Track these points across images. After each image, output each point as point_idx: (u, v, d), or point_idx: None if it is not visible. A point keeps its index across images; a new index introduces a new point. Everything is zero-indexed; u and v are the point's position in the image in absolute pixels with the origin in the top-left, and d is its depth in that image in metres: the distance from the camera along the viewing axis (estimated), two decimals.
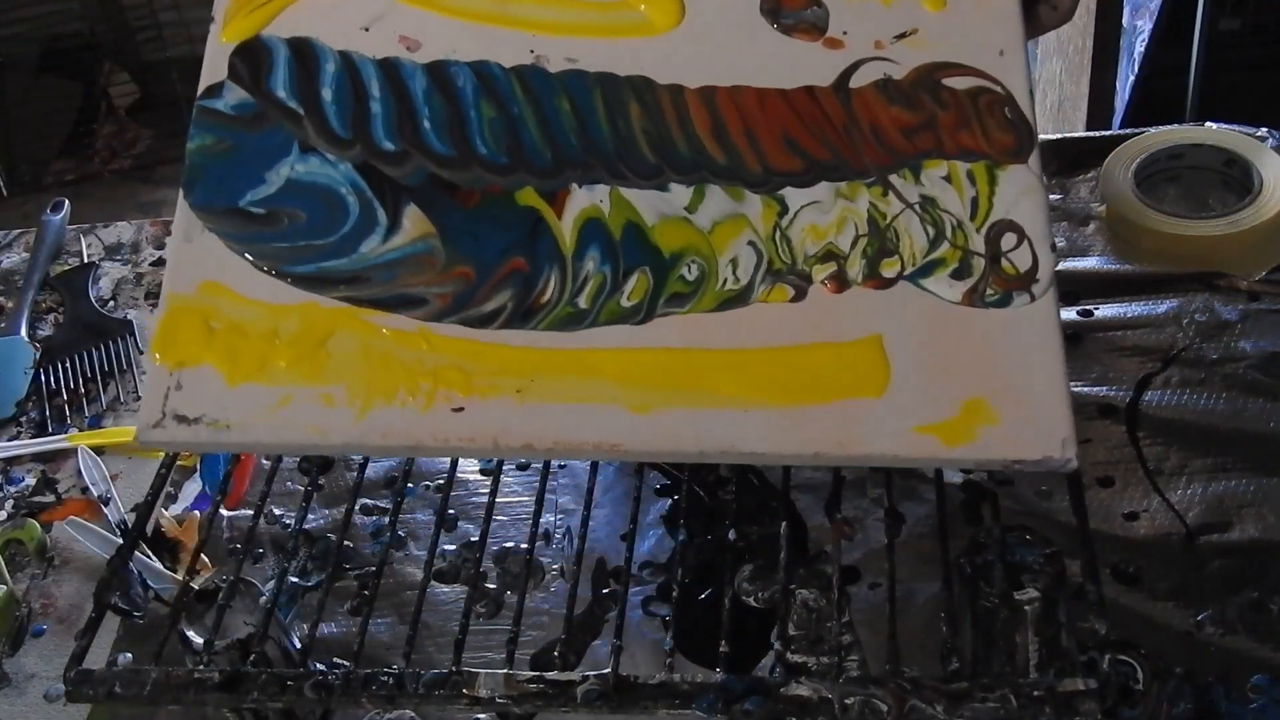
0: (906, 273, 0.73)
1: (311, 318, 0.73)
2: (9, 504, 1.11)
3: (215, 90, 0.80)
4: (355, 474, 0.89)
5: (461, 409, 0.70)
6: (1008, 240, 0.74)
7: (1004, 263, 0.73)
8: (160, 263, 1.37)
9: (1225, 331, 1.04)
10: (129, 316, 1.29)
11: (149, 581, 0.97)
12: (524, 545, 0.94)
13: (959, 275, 0.73)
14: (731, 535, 0.80)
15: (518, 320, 0.73)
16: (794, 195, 0.76)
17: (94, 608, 0.79)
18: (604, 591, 0.91)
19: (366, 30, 0.81)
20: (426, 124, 0.78)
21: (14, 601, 1.00)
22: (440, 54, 0.80)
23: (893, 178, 0.76)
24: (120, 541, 0.93)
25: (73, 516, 1.05)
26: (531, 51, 0.81)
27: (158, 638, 0.77)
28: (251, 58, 0.80)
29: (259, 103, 0.79)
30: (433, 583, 0.92)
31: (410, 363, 0.72)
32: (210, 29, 0.82)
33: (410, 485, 1.03)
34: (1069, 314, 1.09)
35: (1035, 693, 0.65)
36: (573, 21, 0.82)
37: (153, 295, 1.32)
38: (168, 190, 3.27)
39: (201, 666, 0.75)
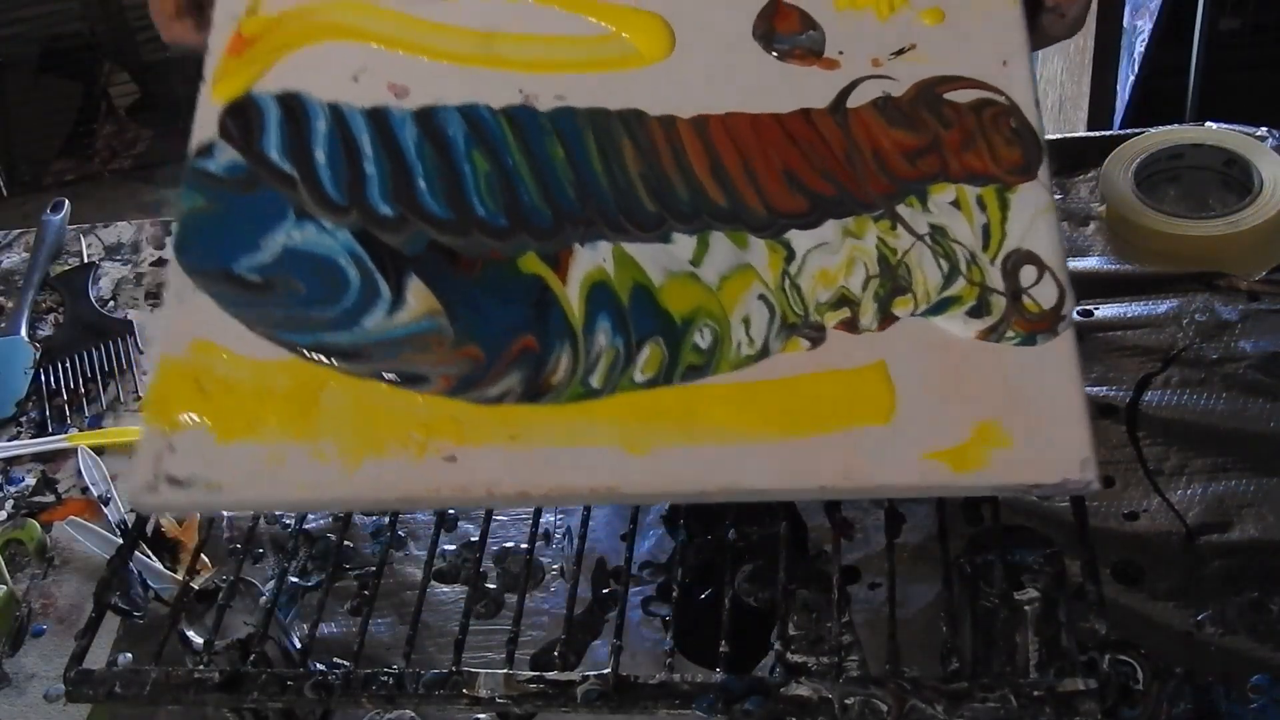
0: (920, 310, 0.71)
1: (302, 373, 0.72)
2: (9, 504, 1.11)
3: (207, 150, 0.78)
4: None
5: (454, 458, 0.69)
6: (1027, 274, 0.71)
7: (1026, 300, 0.71)
8: (160, 262, 1.37)
9: (1225, 331, 1.04)
10: (129, 316, 1.29)
11: (149, 581, 0.97)
12: (524, 545, 0.94)
13: (976, 314, 0.70)
14: (731, 535, 0.80)
15: (525, 402, 0.70)
16: (800, 238, 0.74)
17: (94, 608, 0.79)
18: (604, 591, 0.91)
19: (355, 80, 0.80)
20: (422, 183, 0.76)
21: (14, 601, 1.00)
22: (429, 99, 0.79)
23: (900, 208, 0.74)
24: (120, 541, 0.93)
25: (73, 516, 1.05)
26: (520, 91, 0.79)
27: (158, 638, 0.77)
28: (242, 116, 0.79)
29: (251, 165, 0.77)
30: (433, 583, 0.92)
31: (401, 413, 0.70)
32: (200, 88, 0.81)
33: None
34: None
35: (1035, 693, 0.65)
36: (560, 58, 0.80)
37: (153, 295, 1.32)
38: (168, 190, 3.26)
39: (201, 666, 0.75)
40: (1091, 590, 0.69)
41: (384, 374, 0.71)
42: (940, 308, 0.71)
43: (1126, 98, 2.08)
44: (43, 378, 1.23)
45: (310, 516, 1.00)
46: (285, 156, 0.77)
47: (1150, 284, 1.11)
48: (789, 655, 0.78)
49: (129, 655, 0.93)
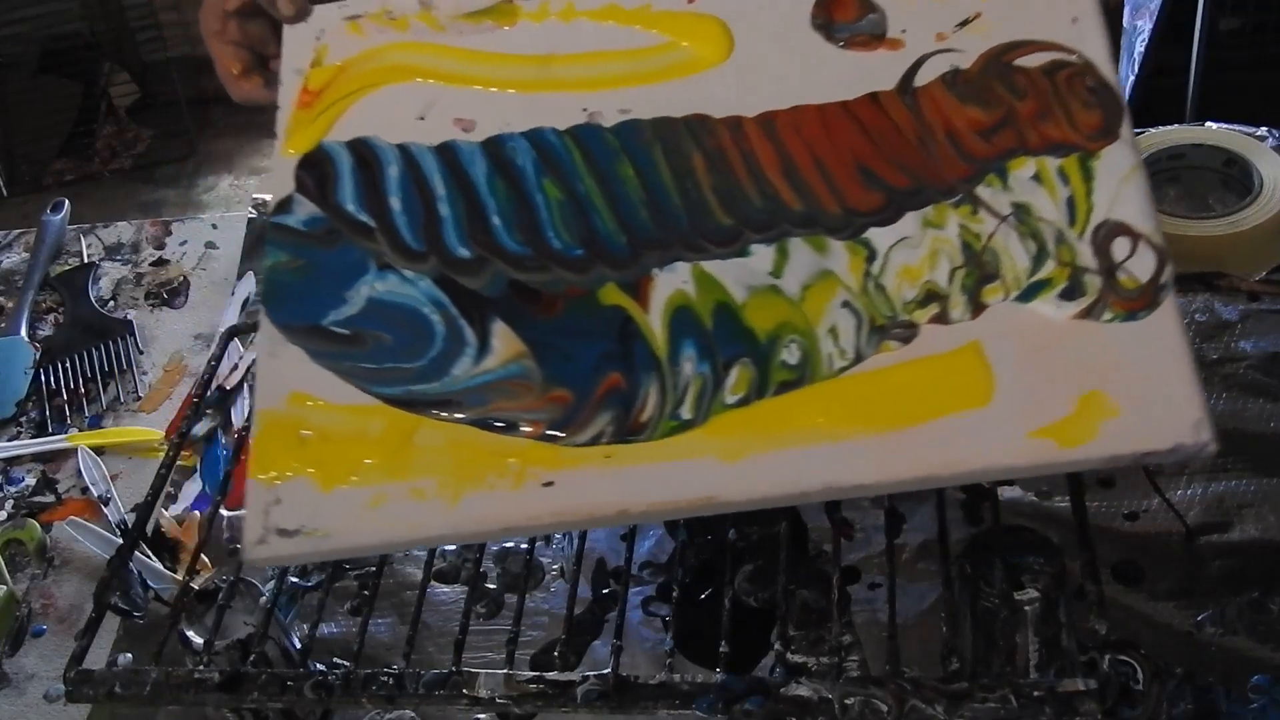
0: (1011, 297, 0.69)
1: (396, 416, 0.72)
2: (9, 504, 1.11)
3: (285, 205, 0.78)
4: None
5: (551, 483, 0.68)
6: (1120, 248, 0.68)
7: (1121, 277, 0.68)
8: (160, 263, 1.37)
9: (1225, 331, 1.04)
10: (129, 316, 1.30)
11: (149, 582, 0.97)
12: (524, 545, 0.94)
13: (1069, 295, 0.68)
14: (731, 535, 0.80)
15: (617, 442, 0.69)
16: (880, 236, 0.71)
17: (94, 608, 0.79)
18: (604, 592, 0.91)
19: (422, 119, 0.80)
20: (496, 220, 0.75)
21: (14, 601, 1.00)
22: (495, 129, 0.78)
23: (979, 190, 0.71)
24: (120, 542, 0.93)
25: (73, 516, 1.05)
26: (584, 110, 0.78)
27: (158, 638, 0.77)
28: (316, 169, 0.79)
29: (329, 217, 0.77)
30: (433, 583, 0.92)
31: (496, 444, 0.70)
32: (274, 145, 0.81)
33: None
34: None
35: (1035, 693, 0.65)
36: (619, 73, 0.79)
37: (152, 295, 1.32)
38: (167, 190, 3.28)
39: (201, 667, 0.75)
40: (1092, 590, 0.69)
41: (473, 420, 0.70)
42: (1031, 293, 0.69)
43: (1126, 98, 2.08)
44: (43, 378, 1.23)
45: None
46: (361, 207, 0.77)
47: None
48: (789, 655, 0.78)
49: (129, 655, 0.93)
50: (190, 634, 0.84)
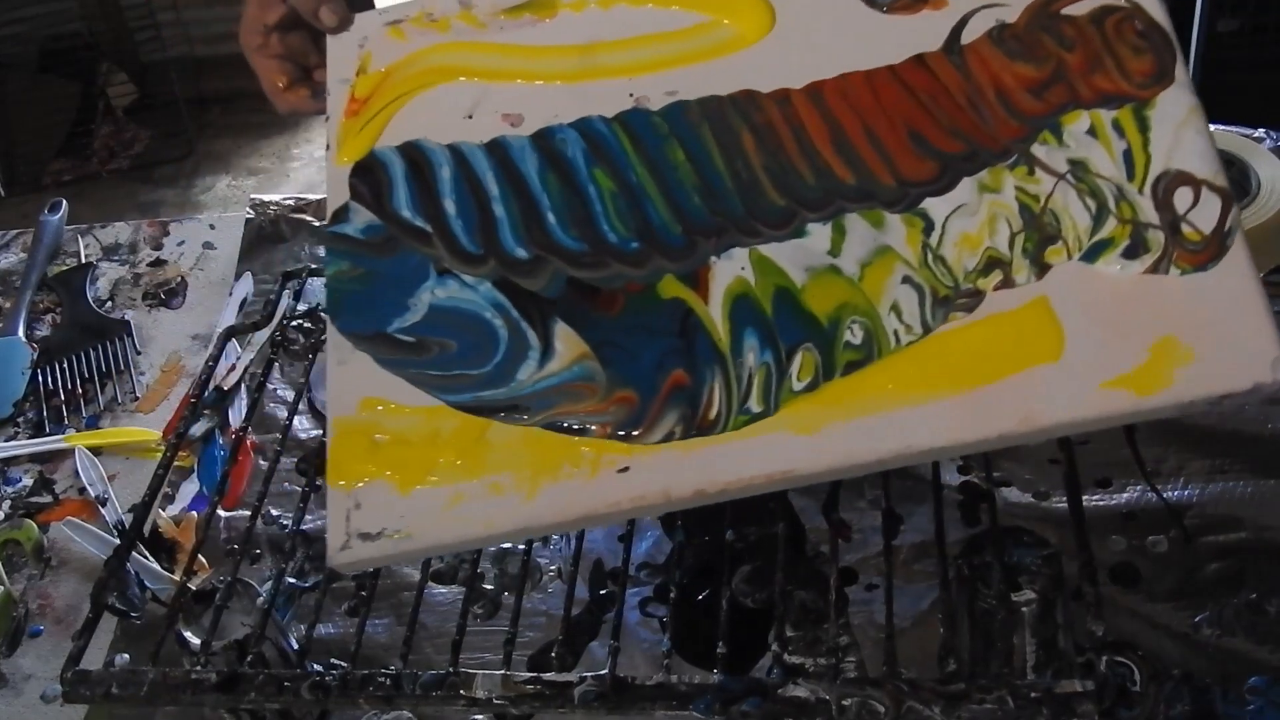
0: (1074, 258, 0.67)
1: (468, 415, 0.72)
2: (6, 504, 1.11)
3: (341, 214, 0.78)
4: None
5: (627, 469, 0.68)
6: (1182, 198, 0.67)
7: (1185, 229, 0.66)
8: (157, 263, 1.37)
9: None
10: (126, 317, 1.30)
11: (146, 582, 0.97)
12: (521, 546, 0.94)
13: (1132, 254, 0.67)
14: (729, 536, 0.80)
15: (688, 439, 0.69)
16: (936, 205, 0.71)
17: (91, 608, 0.79)
18: (601, 592, 0.91)
19: (470, 118, 0.80)
20: (551, 217, 0.75)
21: (11, 602, 1.00)
22: (543, 122, 0.78)
23: (1035, 148, 0.70)
24: (118, 542, 0.93)
25: (70, 517, 1.05)
26: (630, 95, 0.78)
27: (155, 638, 0.77)
28: (370, 176, 0.79)
29: (386, 225, 0.77)
30: (430, 584, 0.92)
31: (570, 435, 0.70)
32: (326, 155, 0.81)
33: None
34: None
35: (1032, 694, 0.65)
36: (663, 55, 0.79)
37: (150, 296, 1.32)
38: (165, 190, 3.28)
39: (199, 667, 0.75)
40: (1089, 591, 0.69)
41: (541, 425, 0.70)
42: (1094, 253, 0.68)
43: None
44: (40, 378, 1.23)
45: (307, 517, 1.00)
46: (417, 212, 0.77)
47: None
48: (786, 656, 0.78)
49: (126, 656, 0.92)
50: (187, 634, 0.84)
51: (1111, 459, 0.96)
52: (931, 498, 0.77)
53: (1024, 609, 0.76)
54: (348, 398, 0.73)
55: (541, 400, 0.71)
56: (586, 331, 0.72)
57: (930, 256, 0.70)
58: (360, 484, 0.71)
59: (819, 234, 0.72)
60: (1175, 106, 0.70)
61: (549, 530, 0.70)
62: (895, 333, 0.68)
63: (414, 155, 0.79)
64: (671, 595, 0.77)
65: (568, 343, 0.72)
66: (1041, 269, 0.68)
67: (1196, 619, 0.85)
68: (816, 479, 0.67)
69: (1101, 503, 0.93)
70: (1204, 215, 0.67)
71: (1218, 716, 0.79)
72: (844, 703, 0.67)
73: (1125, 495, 0.93)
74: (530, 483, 0.69)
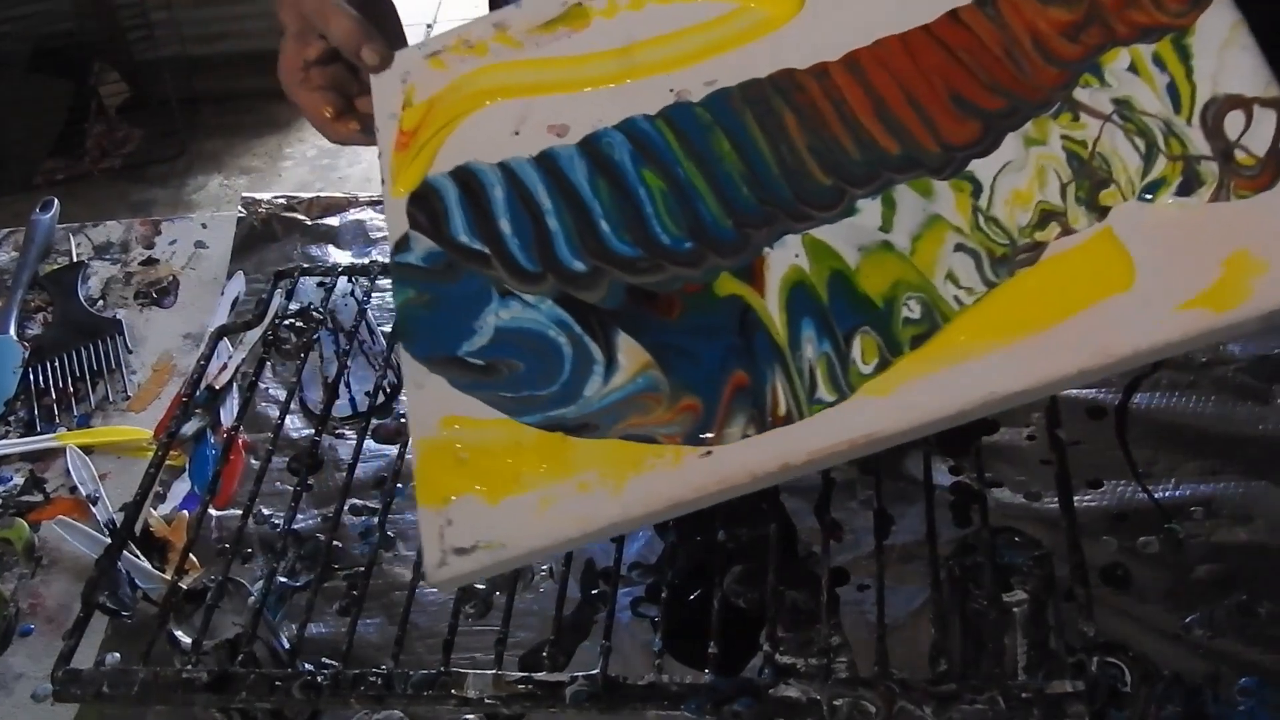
0: (1130, 200, 0.67)
1: None
2: None
3: (403, 244, 0.79)
4: (344, 474, 0.89)
5: (710, 453, 0.68)
6: (1233, 123, 0.66)
7: (1239, 155, 0.65)
8: (149, 262, 1.37)
9: None
10: (118, 316, 1.29)
11: (137, 581, 0.96)
12: None
13: (1186, 190, 0.66)
14: (721, 536, 0.80)
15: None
16: (983, 167, 0.70)
17: (82, 607, 0.79)
18: (593, 592, 0.91)
19: (517, 134, 0.80)
20: (605, 225, 0.75)
21: (2, 601, 1.00)
22: (588, 128, 0.78)
23: (1076, 94, 0.69)
24: (109, 541, 0.93)
25: (61, 516, 1.05)
26: (671, 90, 0.78)
27: (146, 638, 0.77)
28: (426, 204, 0.79)
29: (447, 251, 0.78)
30: (421, 583, 0.92)
31: None
32: (382, 189, 0.82)
33: (399, 485, 1.02)
34: None
35: (1023, 694, 0.65)
36: (699, 46, 0.79)
37: (141, 295, 1.32)
38: (157, 190, 3.27)
39: (190, 667, 0.75)
40: (1080, 592, 0.69)
41: (611, 439, 0.70)
42: (1149, 192, 0.67)
43: None
44: (31, 377, 1.23)
45: (299, 517, 1.00)
46: (474, 235, 0.77)
47: None
48: (778, 657, 0.78)
49: (117, 655, 0.92)
50: (179, 634, 0.84)
51: (1103, 460, 0.96)
52: (923, 498, 0.78)
53: (1015, 610, 0.76)
54: (428, 419, 0.74)
55: (610, 415, 0.70)
56: (648, 338, 0.72)
57: (981, 219, 0.69)
58: (450, 501, 0.71)
59: (869, 210, 0.71)
60: (1216, 27, 0.68)
61: (640, 523, 0.70)
62: (955, 298, 0.68)
63: (466, 179, 0.80)
64: (663, 595, 0.77)
65: (630, 354, 0.72)
66: (1100, 212, 0.67)
67: (1187, 620, 0.85)
68: (901, 439, 0.66)
69: (1093, 504, 0.93)
70: (1257, 136, 0.66)
71: (1208, 718, 0.79)
72: (835, 703, 0.67)
73: (1116, 496, 0.94)
74: (616, 477, 0.69)
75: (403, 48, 0.88)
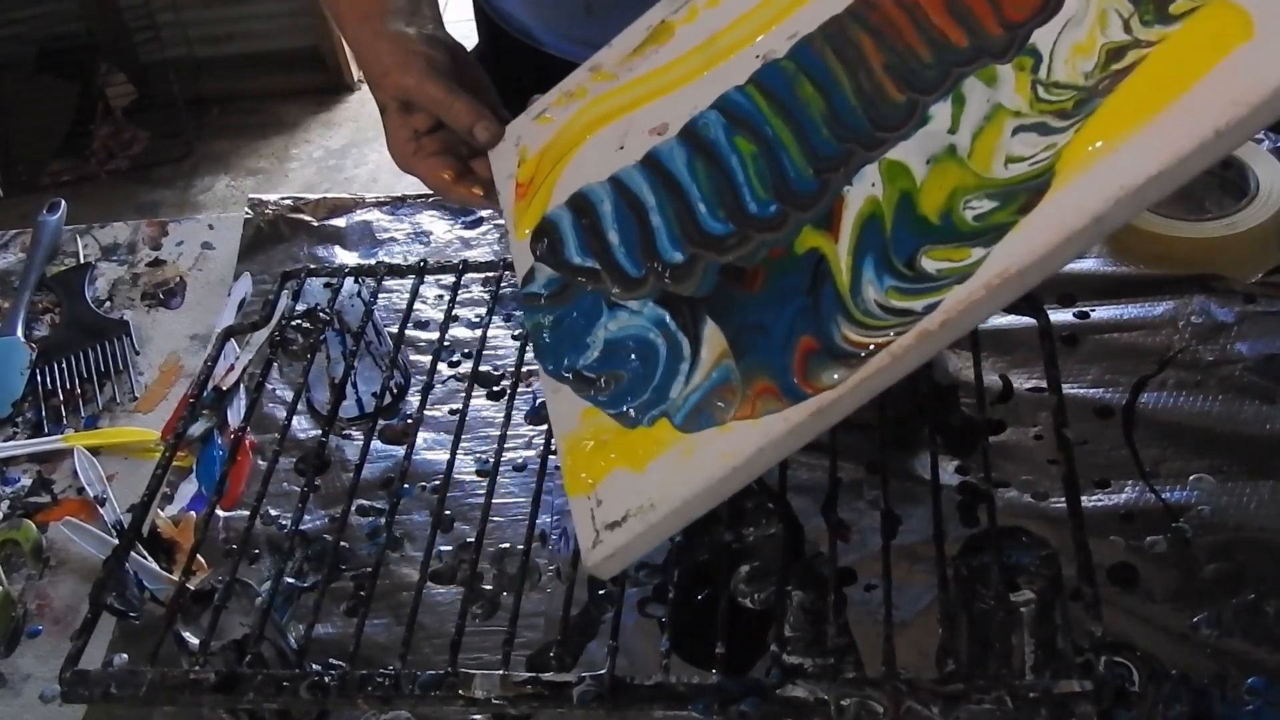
0: (1197, 6, 0.62)
1: None
2: (5, 504, 1.11)
3: (529, 278, 0.81)
4: (351, 475, 0.89)
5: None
6: None
7: None
8: (156, 263, 1.37)
9: (1221, 334, 1.05)
10: (125, 317, 1.30)
11: (145, 582, 0.97)
12: (520, 546, 0.94)
13: None
14: (728, 537, 0.80)
15: None
16: (1043, 35, 0.67)
17: (90, 608, 0.79)
18: (600, 593, 0.91)
19: (621, 149, 0.81)
20: (702, 206, 0.76)
21: (10, 602, 1.00)
22: (686, 118, 0.79)
23: None
24: (116, 542, 0.93)
25: (69, 517, 1.05)
26: (757, 57, 0.78)
27: (154, 639, 0.77)
28: (545, 237, 0.81)
29: (564, 276, 0.80)
30: (429, 584, 0.92)
31: None
32: (508, 235, 0.85)
33: (406, 486, 1.03)
34: (1066, 316, 1.10)
35: (1031, 694, 0.65)
36: (776, 10, 0.78)
37: (148, 296, 1.32)
38: (164, 191, 3.28)
39: (197, 667, 0.75)
40: (1088, 592, 0.69)
41: None
42: None
43: None
44: (39, 378, 1.23)
45: (306, 518, 1.00)
46: (586, 254, 0.79)
47: (1147, 286, 1.11)
48: (785, 657, 0.78)
49: (125, 656, 0.93)
50: (186, 635, 0.84)
51: (1110, 460, 0.96)
52: (930, 498, 0.78)
53: (1022, 609, 0.76)
54: (569, 415, 0.76)
55: (694, 418, 0.71)
56: (730, 319, 0.72)
57: (1041, 90, 0.66)
58: (597, 482, 0.72)
59: (940, 114, 0.69)
60: None
61: (783, 447, 0.69)
62: (1019, 174, 0.65)
63: (579, 203, 0.81)
64: (670, 595, 0.77)
65: (711, 344, 0.72)
66: (1175, 19, 0.63)
67: (1195, 620, 0.85)
68: (1040, 270, 0.63)
69: (1100, 503, 0.93)
70: None
71: (1216, 717, 0.79)
72: (842, 703, 0.67)
73: (1124, 496, 0.94)
74: (752, 403, 0.69)
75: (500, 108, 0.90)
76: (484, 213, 1.37)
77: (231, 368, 1.18)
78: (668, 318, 0.74)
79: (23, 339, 1.28)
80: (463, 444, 0.92)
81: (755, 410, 0.69)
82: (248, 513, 0.87)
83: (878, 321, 0.67)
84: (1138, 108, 0.62)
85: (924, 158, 0.69)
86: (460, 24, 1.17)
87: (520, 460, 1.05)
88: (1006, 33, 0.69)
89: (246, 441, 1.11)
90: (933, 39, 0.71)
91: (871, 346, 0.66)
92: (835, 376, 0.67)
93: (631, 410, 0.73)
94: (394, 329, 1.03)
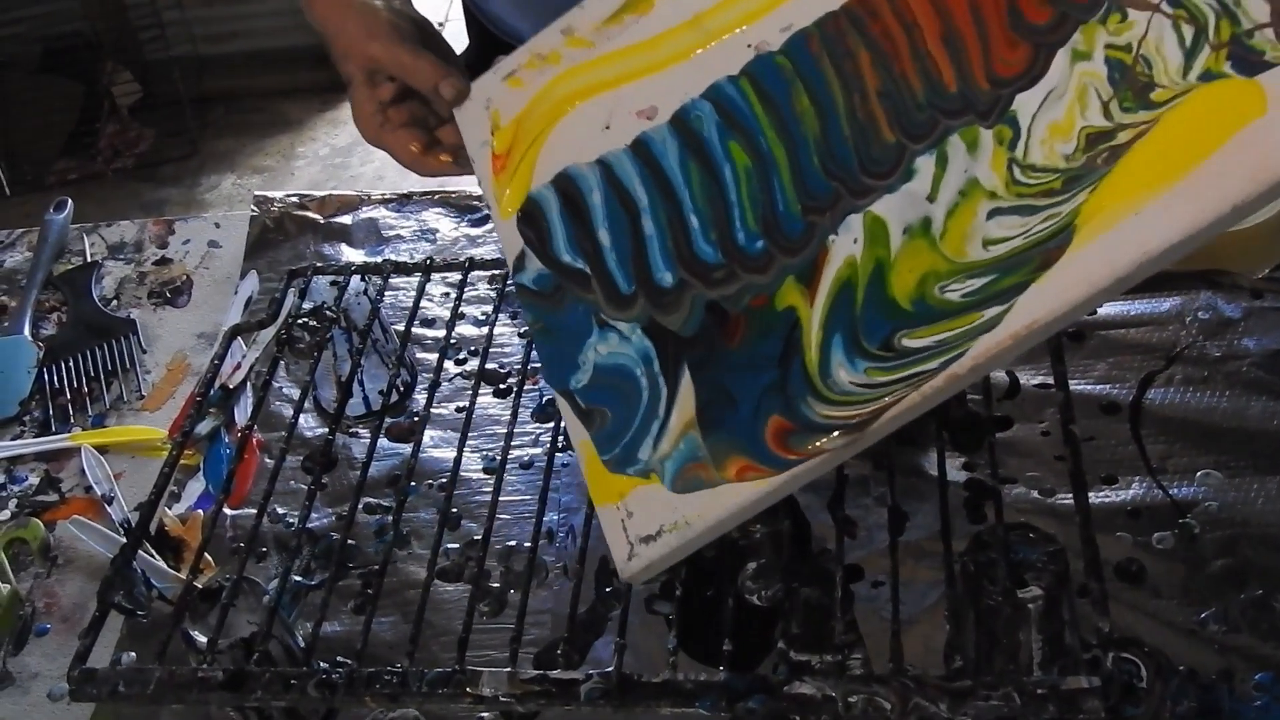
0: (1178, 95, 0.63)
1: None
2: (12, 503, 1.11)
3: (520, 263, 0.80)
4: (358, 473, 0.89)
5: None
6: None
7: None
8: (163, 262, 1.37)
9: (1228, 329, 1.04)
10: (132, 315, 1.30)
11: (152, 581, 0.97)
12: (527, 544, 0.94)
13: (1245, 69, 0.62)
14: (734, 534, 0.80)
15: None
16: (1025, 103, 0.67)
17: (97, 607, 0.79)
18: (607, 590, 0.91)
19: (608, 128, 0.80)
20: (694, 219, 0.75)
21: (18, 601, 1.00)
22: (676, 104, 0.78)
23: None
24: (124, 540, 0.93)
25: (76, 515, 1.05)
26: (749, 46, 0.77)
27: (161, 637, 0.77)
28: (531, 221, 0.80)
29: (552, 273, 0.79)
30: (436, 581, 0.92)
31: None
32: (491, 217, 0.83)
33: (413, 484, 1.03)
34: None
35: (1038, 690, 0.65)
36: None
37: (155, 294, 1.33)
38: (170, 189, 3.28)
39: (205, 665, 0.75)
40: (1094, 588, 0.69)
41: None
42: (1206, 79, 0.63)
43: None
44: (46, 377, 1.23)
45: (313, 515, 1.01)
46: (576, 253, 0.78)
47: (1153, 282, 1.10)
48: (792, 654, 0.78)
49: (132, 654, 0.93)
50: (194, 633, 0.84)
51: (1117, 456, 0.96)
52: (937, 494, 0.77)
53: (1029, 605, 0.76)
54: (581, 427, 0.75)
55: (682, 484, 0.71)
56: (706, 376, 0.72)
57: (1018, 172, 0.67)
58: (626, 494, 0.72)
59: (924, 170, 0.69)
60: None
61: (819, 471, 0.69)
62: (1024, 235, 0.66)
63: (565, 186, 0.80)
64: (677, 593, 0.77)
65: (682, 407, 0.72)
66: (1155, 105, 0.64)
67: (1202, 615, 0.85)
68: (1058, 323, 0.65)
69: (1107, 499, 0.93)
70: None
71: (1223, 713, 0.79)
72: (850, 700, 0.67)
73: (1131, 492, 0.93)
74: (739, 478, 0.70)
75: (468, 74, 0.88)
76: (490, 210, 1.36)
77: (238, 366, 1.18)
78: (653, 353, 0.74)
79: (30, 338, 1.28)
80: (469, 442, 0.92)
81: (739, 479, 0.69)
82: (255, 511, 0.87)
83: (855, 397, 0.67)
84: (1146, 178, 0.63)
85: (901, 225, 0.69)
86: (460, 23, 1.17)
87: (526, 458, 1.05)
88: (993, 89, 0.69)
89: (253, 440, 1.11)
90: (927, 71, 0.71)
91: (853, 419, 0.67)
92: (821, 443, 0.68)
93: (614, 461, 0.73)
94: (400, 327, 1.03)
